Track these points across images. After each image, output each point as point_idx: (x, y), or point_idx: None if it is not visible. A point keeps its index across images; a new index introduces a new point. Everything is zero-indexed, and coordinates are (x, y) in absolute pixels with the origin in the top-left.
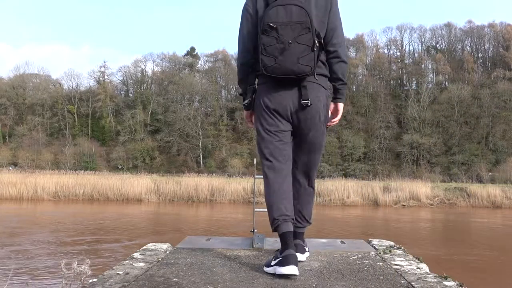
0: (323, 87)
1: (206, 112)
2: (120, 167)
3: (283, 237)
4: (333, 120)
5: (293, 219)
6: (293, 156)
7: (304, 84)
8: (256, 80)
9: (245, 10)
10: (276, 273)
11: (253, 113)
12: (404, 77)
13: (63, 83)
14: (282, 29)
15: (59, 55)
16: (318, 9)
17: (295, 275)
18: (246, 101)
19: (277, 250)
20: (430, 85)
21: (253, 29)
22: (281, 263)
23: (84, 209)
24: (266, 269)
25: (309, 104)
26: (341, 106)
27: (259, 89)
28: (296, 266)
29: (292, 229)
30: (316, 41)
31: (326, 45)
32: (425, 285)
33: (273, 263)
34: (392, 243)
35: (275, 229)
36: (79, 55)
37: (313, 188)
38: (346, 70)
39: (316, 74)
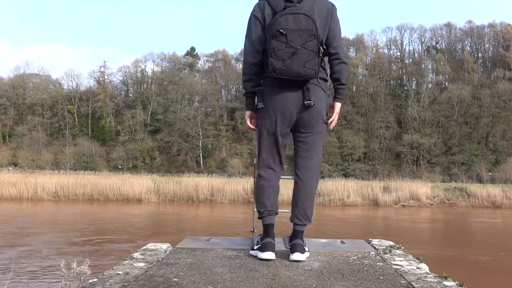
0: (323, 89)
1: (206, 112)
2: (120, 167)
3: (265, 227)
4: (330, 120)
5: (276, 213)
6: (296, 156)
7: (308, 86)
8: (261, 81)
9: (253, 16)
10: (258, 256)
11: (254, 114)
12: (404, 77)
13: (63, 83)
14: (291, 35)
15: (59, 55)
16: (321, 17)
17: (272, 259)
18: (260, 103)
19: (260, 235)
20: (430, 85)
21: (262, 34)
22: (261, 249)
23: (84, 209)
24: (251, 252)
25: (311, 104)
26: (338, 105)
27: (264, 90)
28: (273, 252)
29: (274, 222)
30: (320, 48)
31: (328, 48)
32: (425, 285)
33: (255, 247)
34: (392, 243)
35: (260, 218)
36: (79, 55)
37: (315, 187)
38: (346, 71)
39: (319, 78)
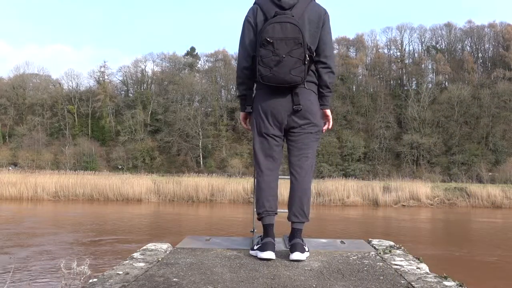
0: (314, 92)
1: (206, 112)
2: (120, 167)
3: (265, 227)
4: (324, 129)
5: (276, 213)
6: (290, 155)
7: (296, 91)
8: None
9: (247, 21)
10: (258, 256)
11: (248, 116)
12: (404, 77)
13: (63, 83)
14: (277, 43)
15: (61, 55)
16: (311, 24)
17: (272, 259)
18: (248, 107)
19: (260, 236)
20: (430, 85)
21: (254, 38)
22: (261, 249)
23: (84, 209)
24: (251, 252)
25: (299, 109)
26: (328, 112)
27: (256, 94)
28: (273, 251)
29: (273, 222)
30: (307, 55)
31: (319, 56)
32: (425, 285)
33: (255, 247)
34: (392, 243)
35: (259, 219)
36: (81, 55)
37: (310, 185)
38: (334, 80)
39: (307, 82)
